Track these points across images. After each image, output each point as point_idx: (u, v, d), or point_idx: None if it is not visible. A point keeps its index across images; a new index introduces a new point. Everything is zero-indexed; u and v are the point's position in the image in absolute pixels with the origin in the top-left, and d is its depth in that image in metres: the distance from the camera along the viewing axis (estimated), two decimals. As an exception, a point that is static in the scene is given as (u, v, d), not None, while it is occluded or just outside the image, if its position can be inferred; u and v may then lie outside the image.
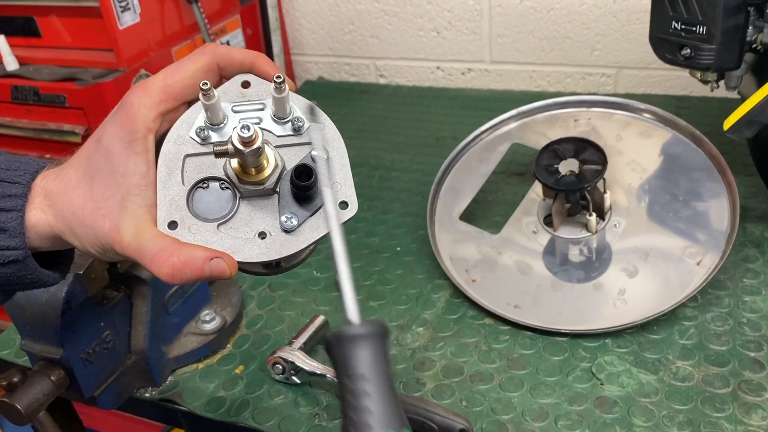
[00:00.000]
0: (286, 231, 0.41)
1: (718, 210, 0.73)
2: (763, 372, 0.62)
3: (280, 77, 0.40)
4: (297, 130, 0.42)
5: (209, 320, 0.72)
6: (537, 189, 0.81)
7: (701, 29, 0.70)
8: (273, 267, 0.44)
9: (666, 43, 0.73)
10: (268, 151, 0.41)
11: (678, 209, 0.75)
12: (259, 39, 1.30)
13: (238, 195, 0.41)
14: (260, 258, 0.40)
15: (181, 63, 0.42)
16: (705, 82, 0.78)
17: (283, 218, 0.41)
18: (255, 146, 0.38)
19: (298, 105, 0.43)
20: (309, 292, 0.79)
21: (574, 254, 0.76)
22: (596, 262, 0.75)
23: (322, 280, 0.81)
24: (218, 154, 0.39)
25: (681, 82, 1.12)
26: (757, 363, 0.63)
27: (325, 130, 0.42)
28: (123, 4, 0.99)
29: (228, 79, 0.43)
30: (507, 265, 0.76)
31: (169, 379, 0.69)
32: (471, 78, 1.26)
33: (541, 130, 0.86)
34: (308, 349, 0.68)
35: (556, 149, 0.74)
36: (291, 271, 0.86)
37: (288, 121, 0.42)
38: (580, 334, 0.68)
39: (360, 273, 0.81)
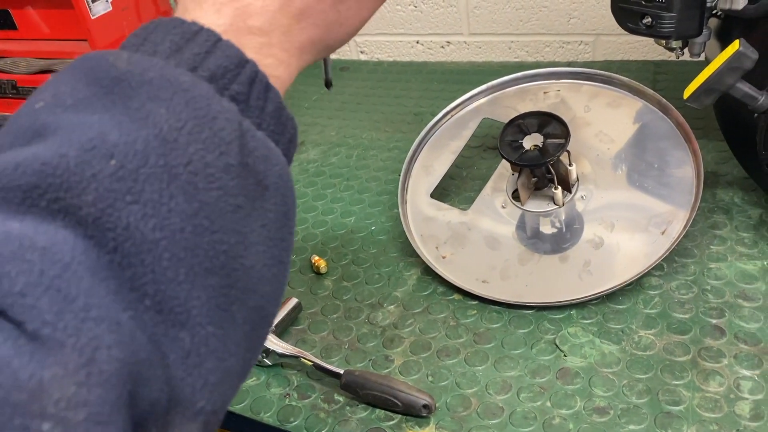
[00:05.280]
0: None
1: (684, 178, 0.73)
2: (724, 338, 0.63)
3: None
4: None
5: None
6: (506, 164, 0.81)
7: (661, -3, 0.69)
8: None
9: (627, 13, 0.73)
10: None
11: (644, 179, 0.75)
12: (237, 21, 1.30)
13: None
14: None
15: None
16: (671, 49, 0.78)
17: None
18: None
19: None
20: (284, 274, 0.81)
21: (543, 228, 0.76)
22: (566, 233, 0.75)
23: (297, 262, 0.82)
24: None
25: (659, 47, 1.10)
26: (718, 329, 0.64)
27: None
28: (93, -7, 0.99)
29: None
30: (476, 241, 0.77)
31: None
32: (450, 51, 1.25)
33: (512, 104, 0.86)
34: (279, 331, 0.70)
35: (521, 124, 0.75)
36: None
37: None
38: (545, 307, 0.69)
39: (335, 254, 0.83)
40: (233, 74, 0.30)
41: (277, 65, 0.34)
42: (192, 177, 0.27)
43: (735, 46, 0.62)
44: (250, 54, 0.32)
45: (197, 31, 0.31)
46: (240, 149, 0.28)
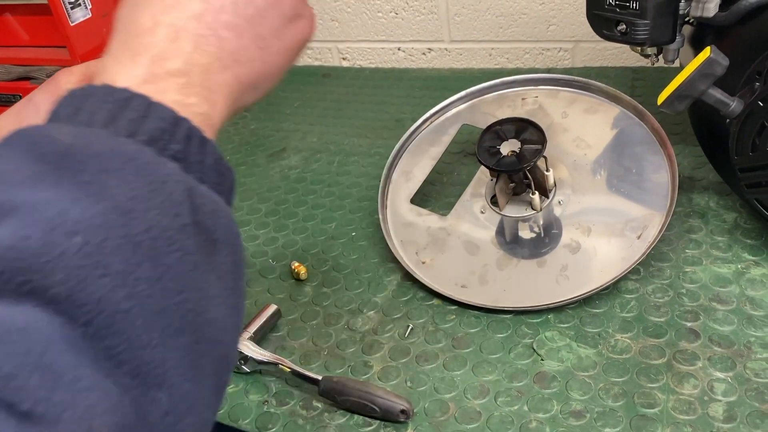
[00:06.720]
0: None
1: (660, 183, 0.74)
2: (698, 341, 0.63)
3: None
4: None
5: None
6: (485, 170, 0.82)
7: (634, 4, 0.70)
8: None
9: (602, 20, 0.74)
10: None
11: (621, 184, 0.76)
12: (219, 27, 1.30)
13: None
14: None
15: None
16: (646, 56, 0.79)
17: None
18: None
19: None
20: (264, 281, 0.81)
21: (521, 233, 0.77)
22: (545, 238, 0.76)
23: (278, 268, 0.82)
24: None
25: (637, 54, 1.12)
26: (693, 333, 0.64)
27: None
28: (72, 0, 0.99)
29: None
30: (455, 246, 0.77)
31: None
32: (432, 58, 1.26)
33: (490, 111, 0.87)
34: (258, 338, 0.70)
35: (498, 130, 0.75)
36: (246, 260, 0.88)
37: None
38: (523, 311, 0.70)
39: (315, 260, 0.83)
40: (170, 134, 0.31)
41: (201, 103, 0.34)
42: (153, 242, 0.27)
43: (706, 53, 0.63)
44: (173, 95, 0.33)
45: (130, 97, 0.31)
46: (191, 208, 0.29)
